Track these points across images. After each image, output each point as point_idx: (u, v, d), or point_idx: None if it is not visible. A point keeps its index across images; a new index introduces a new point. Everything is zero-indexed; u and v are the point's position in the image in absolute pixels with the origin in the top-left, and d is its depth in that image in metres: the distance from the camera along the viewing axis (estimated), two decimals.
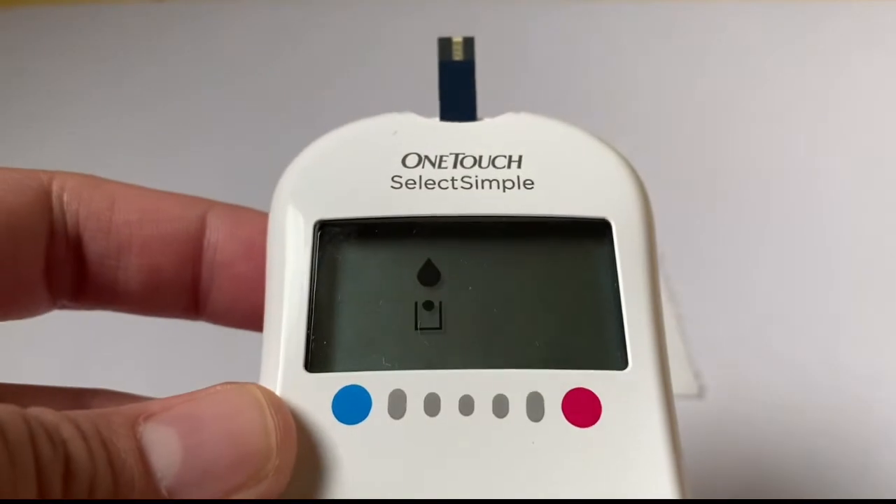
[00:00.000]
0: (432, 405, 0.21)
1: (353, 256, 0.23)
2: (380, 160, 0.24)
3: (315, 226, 0.23)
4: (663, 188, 0.50)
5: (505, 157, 0.24)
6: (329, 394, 0.21)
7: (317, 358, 0.21)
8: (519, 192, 0.23)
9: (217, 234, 0.26)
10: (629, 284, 0.22)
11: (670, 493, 0.20)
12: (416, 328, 0.22)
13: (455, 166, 0.23)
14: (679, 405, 0.39)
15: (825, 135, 0.55)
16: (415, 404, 0.21)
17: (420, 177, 0.23)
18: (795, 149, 0.54)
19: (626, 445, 0.20)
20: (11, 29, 0.66)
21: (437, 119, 0.25)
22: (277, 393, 0.21)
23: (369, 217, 0.23)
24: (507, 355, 0.22)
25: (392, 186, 0.23)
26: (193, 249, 0.26)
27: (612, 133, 0.54)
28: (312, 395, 0.21)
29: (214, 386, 0.20)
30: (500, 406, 0.21)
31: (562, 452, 0.20)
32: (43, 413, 0.17)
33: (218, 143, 0.56)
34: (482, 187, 0.23)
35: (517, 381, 0.21)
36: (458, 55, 0.25)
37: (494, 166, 0.23)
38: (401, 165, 0.23)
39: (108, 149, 0.56)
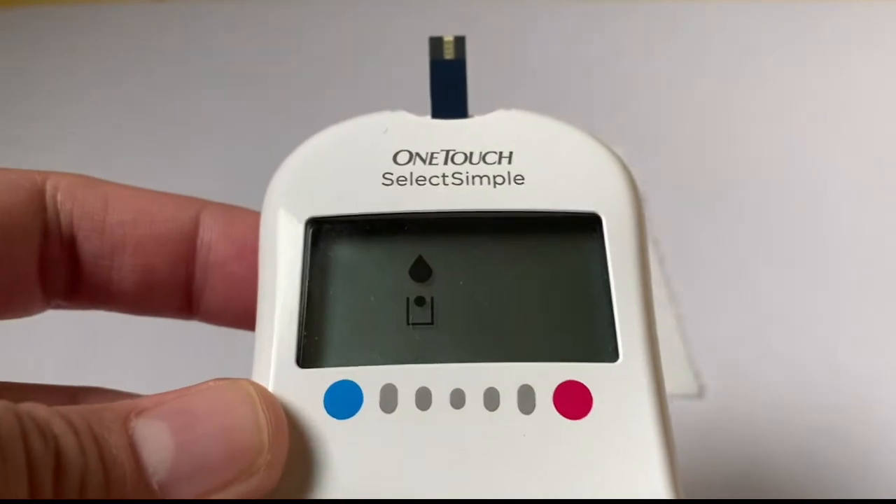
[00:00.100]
0: (423, 399, 0.21)
1: (344, 253, 0.23)
2: (371, 158, 0.24)
3: (306, 223, 0.23)
4: (663, 188, 0.51)
5: (495, 153, 0.24)
6: (321, 389, 0.21)
7: (309, 353, 0.21)
8: (509, 187, 0.23)
9: (210, 234, 0.26)
10: (619, 277, 0.22)
11: (661, 484, 0.20)
12: (408, 323, 0.22)
13: (446, 163, 0.23)
14: (679, 405, 0.39)
15: (825, 135, 0.55)
16: (406, 398, 0.21)
17: (411, 173, 0.23)
18: (795, 149, 0.54)
19: (617, 437, 0.20)
20: (11, 29, 0.66)
21: (429, 117, 0.25)
22: (270, 389, 0.21)
23: (360, 214, 0.23)
24: (499, 349, 0.22)
25: (383, 183, 0.23)
26: (187, 249, 0.26)
27: (613, 133, 0.54)
28: (304, 391, 0.21)
29: (206, 382, 0.20)
30: (491, 399, 0.21)
31: (553, 445, 0.20)
32: (34, 408, 0.17)
33: (217, 142, 0.56)
34: (473, 183, 0.23)
35: (508, 374, 0.21)
36: (449, 54, 0.25)
37: (485, 162, 0.23)
38: (392, 162, 0.24)
39: (107, 148, 0.56)
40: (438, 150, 0.24)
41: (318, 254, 0.23)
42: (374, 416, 0.21)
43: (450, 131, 0.24)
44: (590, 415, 0.21)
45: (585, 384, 0.21)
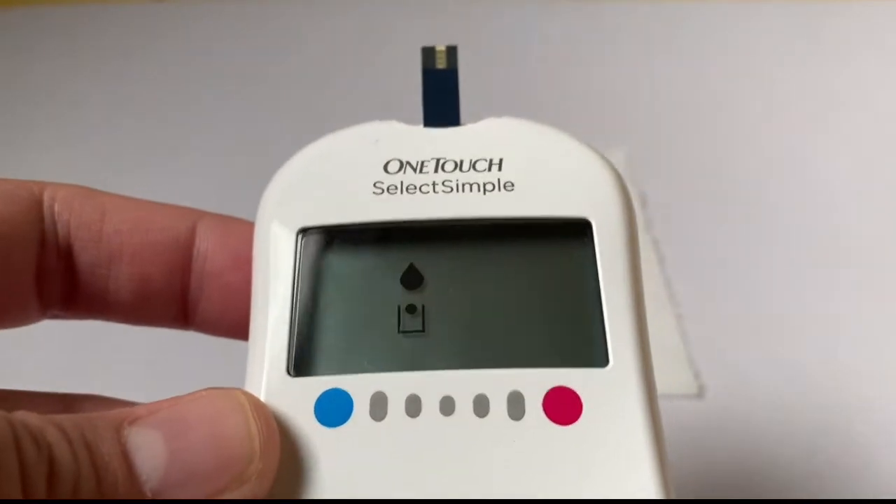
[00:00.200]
0: (413, 406, 0.21)
1: (336, 262, 0.23)
2: (362, 167, 0.24)
3: (298, 232, 0.23)
4: (663, 188, 0.51)
5: (486, 160, 0.24)
6: (311, 397, 0.21)
7: (300, 362, 0.22)
8: (500, 194, 0.23)
9: (206, 244, 0.26)
10: (610, 283, 0.22)
11: (652, 488, 0.20)
12: (399, 331, 0.22)
13: (436, 171, 0.24)
14: (679, 405, 0.39)
15: (825, 135, 0.55)
16: (396, 406, 0.21)
17: (402, 182, 0.23)
18: (796, 149, 0.54)
19: (608, 442, 0.20)
20: (11, 29, 0.66)
21: (421, 125, 0.25)
22: (261, 397, 0.21)
23: (351, 223, 0.23)
24: (489, 355, 0.22)
25: (374, 192, 0.23)
26: (183, 259, 0.26)
27: (613, 133, 0.54)
28: (295, 399, 0.21)
29: (199, 391, 0.20)
30: (481, 406, 0.21)
31: (543, 450, 0.20)
32: (27, 417, 0.17)
33: (217, 142, 0.56)
34: (463, 190, 0.23)
35: (498, 381, 0.21)
36: (441, 63, 0.25)
37: (475, 170, 0.24)
38: (383, 171, 0.24)
39: (107, 148, 0.56)
40: (429, 159, 0.24)
41: (310, 263, 0.23)
42: (364, 423, 0.21)
43: (440, 140, 0.24)
44: (580, 420, 0.21)
45: (575, 390, 0.21)
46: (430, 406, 0.21)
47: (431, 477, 0.20)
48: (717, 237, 0.49)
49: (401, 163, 0.24)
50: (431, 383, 0.21)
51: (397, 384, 0.21)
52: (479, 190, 0.23)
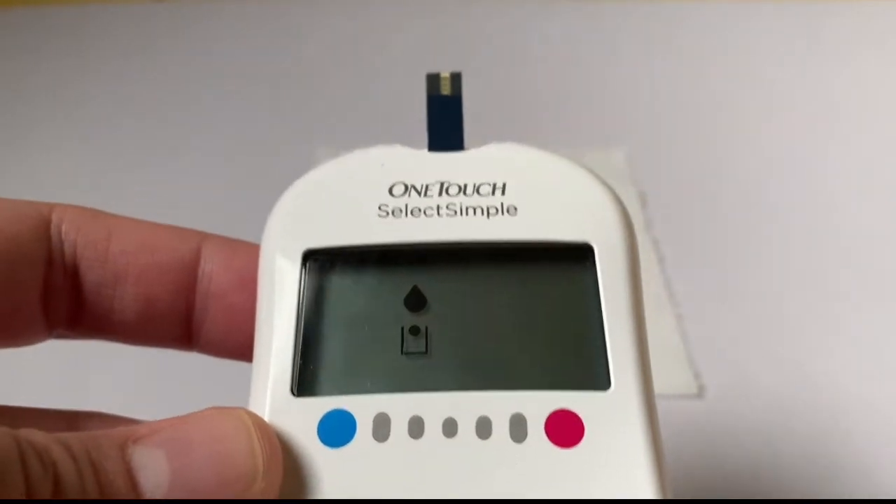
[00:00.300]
0: (416, 428, 0.21)
1: (340, 284, 0.23)
2: (367, 190, 0.24)
3: (303, 255, 0.23)
4: (663, 188, 0.51)
5: (489, 184, 0.24)
6: (315, 418, 0.21)
7: (304, 383, 0.22)
8: (503, 218, 0.23)
9: (211, 265, 0.26)
10: (612, 306, 0.22)
11: None
12: (402, 352, 0.22)
13: (440, 194, 0.24)
14: (679, 405, 0.39)
15: (825, 135, 0.55)
16: (399, 427, 0.21)
17: (406, 205, 0.24)
18: (796, 149, 0.54)
19: (609, 465, 0.21)
20: (12, 29, 0.66)
21: (426, 150, 0.25)
22: (265, 417, 0.21)
23: (356, 245, 0.23)
24: (491, 377, 0.22)
25: (379, 215, 0.23)
26: (188, 279, 0.26)
27: (613, 134, 0.54)
28: (299, 419, 0.21)
29: (203, 410, 0.20)
30: (484, 428, 0.21)
31: (545, 473, 0.20)
32: (33, 434, 0.18)
33: (217, 142, 0.56)
34: (467, 214, 0.23)
35: (500, 403, 0.21)
36: (445, 90, 0.26)
37: (479, 194, 0.24)
38: (387, 195, 0.24)
39: (107, 148, 0.56)
40: (433, 182, 0.24)
41: (315, 284, 0.23)
42: (366, 444, 0.21)
43: (445, 164, 0.25)
44: (581, 443, 0.21)
45: (577, 413, 0.21)
46: (433, 427, 0.21)
47: (433, 498, 0.20)
48: (718, 237, 0.49)
49: (405, 186, 0.24)
50: (434, 405, 0.21)
51: (400, 405, 0.21)
52: (482, 213, 0.23)
